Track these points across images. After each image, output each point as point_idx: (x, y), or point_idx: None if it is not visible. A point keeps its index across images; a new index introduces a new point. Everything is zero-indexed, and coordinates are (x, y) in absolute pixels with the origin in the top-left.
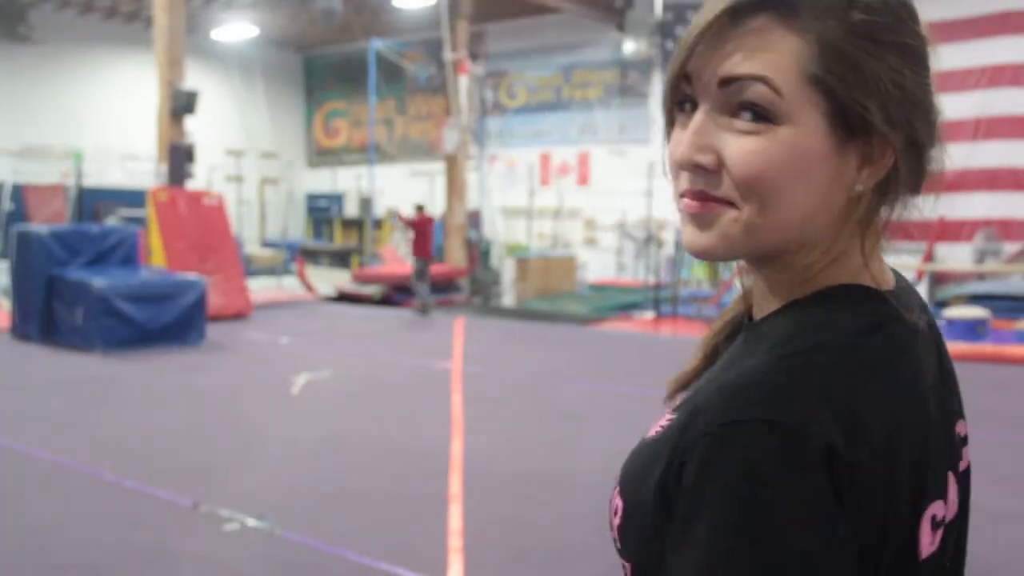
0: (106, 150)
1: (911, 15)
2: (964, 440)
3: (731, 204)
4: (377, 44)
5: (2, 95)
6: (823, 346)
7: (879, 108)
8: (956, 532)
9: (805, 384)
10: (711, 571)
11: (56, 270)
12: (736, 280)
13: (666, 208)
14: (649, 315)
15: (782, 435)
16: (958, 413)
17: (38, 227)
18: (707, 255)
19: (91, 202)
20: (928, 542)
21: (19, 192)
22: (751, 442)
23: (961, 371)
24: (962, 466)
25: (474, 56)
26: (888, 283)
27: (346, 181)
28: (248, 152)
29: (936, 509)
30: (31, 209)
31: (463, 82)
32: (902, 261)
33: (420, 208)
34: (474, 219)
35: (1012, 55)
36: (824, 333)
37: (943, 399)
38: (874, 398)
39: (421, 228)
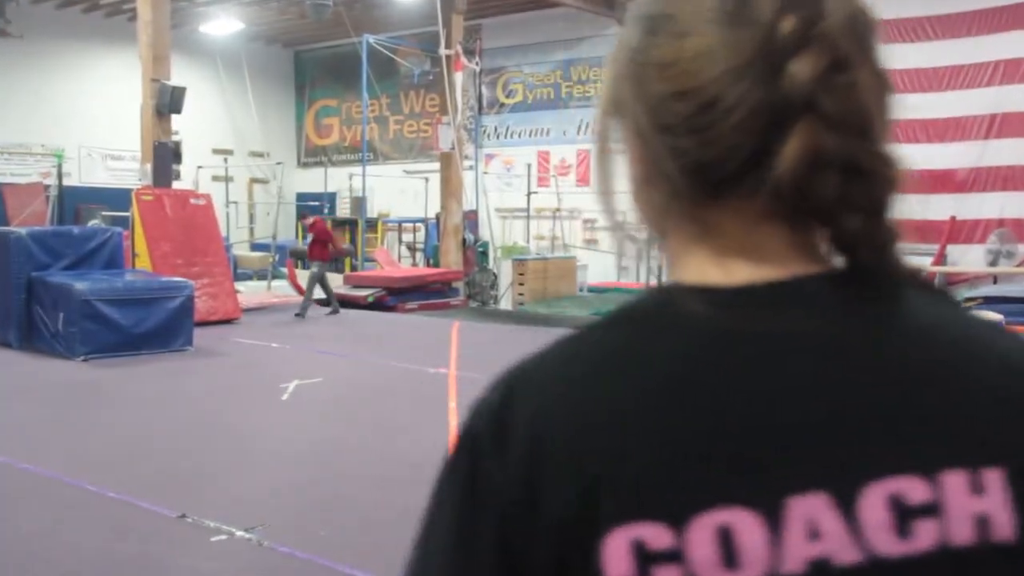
0: (88, 149)
1: None
2: (921, 509)
3: None
4: (369, 39)
5: None
6: (561, 339)
7: (608, 92)
8: None
9: (515, 375)
10: None
11: (36, 273)
12: None
13: None
14: None
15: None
16: (898, 464)
17: (17, 228)
18: None
19: (73, 202)
20: (626, 571)
21: None
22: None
23: None
24: (890, 544)
25: (470, 52)
26: (727, 278)
27: (338, 181)
28: (236, 151)
29: (643, 533)
30: (10, 210)
31: (458, 79)
32: (913, 262)
33: (306, 215)
34: (470, 220)
35: None
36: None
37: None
38: (554, 395)
39: (325, 232)
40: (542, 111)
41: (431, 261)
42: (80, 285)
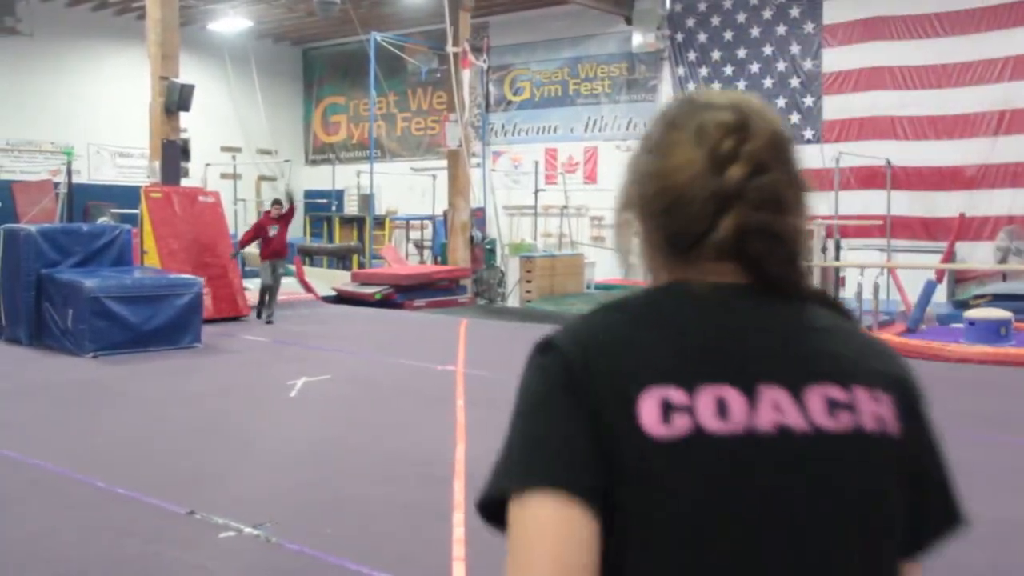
0: (98, 146)
1: (670, 112)
2: (842, 405)
3: None
4: (377, 37)
5: None
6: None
7: (624, 192)
8: (813, 465)
9: (575, 325)
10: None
11: (46, 270)
12: None
13: None
14: None
15: (543, 350)
16: (803, 377)
17: (27, 226)
18: None
19: (82, 200)
20: (655, 421)
21: (7, 189)
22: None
23: (982, 375)
24: (795, 422)
25: (477, 49)
26: (685, 280)
27: (345, 178)
28: (244, 149)
29: (667, 394)
30: (20, 207)
31: (466, 76)
32: (921, 260)
33: (279, 202)
34: (478, 217)
35: None
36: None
37: (746, 355)
38: (604, 330)
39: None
40: (549, 108)
41: (439, 258)
42: (89, 282)
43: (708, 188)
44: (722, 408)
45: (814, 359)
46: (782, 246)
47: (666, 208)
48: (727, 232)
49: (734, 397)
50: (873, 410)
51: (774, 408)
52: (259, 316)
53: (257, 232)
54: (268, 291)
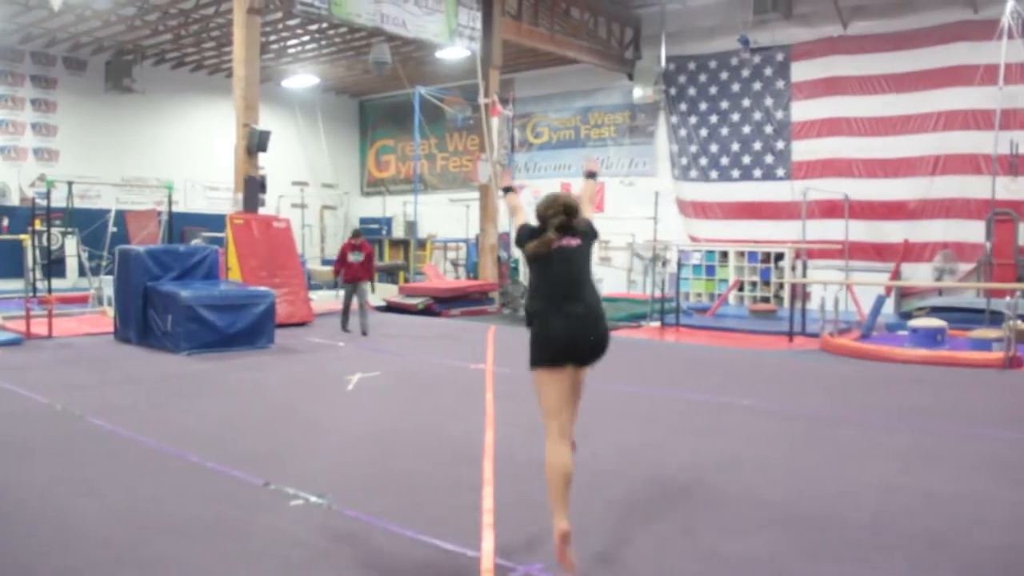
0: (192, 182)
1: (545, 200)
2: (574, 239)
3: None
4: (421, 90)
5: (110, 137)
6: None
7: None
8: (568, 254)
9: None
10: None
11: (151, 283)
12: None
13: (670, 231)
14: (655, 324)
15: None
16: (565, 234)
17: (136, 247)
18: None
19: (180, 225)
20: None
21: (121, 217)
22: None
23: (922, 374)
24: (565, 242)
25: (504, 100)
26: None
27: (394, 207)
28: (311, 183)
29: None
30: (130, 231)
31: (495, 122)
32: (873, 278)
33: (358, 233)
34: (504, 240)
35: (963, 103)
36: None
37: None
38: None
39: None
40: (564, 149)
41: (471, 275)
42: (185, 293)
43: (551, 215)
44: (559, 240)
45: (571, 232)
46: (570, 225)
47: (540, 218)
48: (555, 224)
49: (562, 240)
50: (579, 241)
51: (567, 240)
52: (344, 328)
53: (342, 259)
54: (360, 306)
